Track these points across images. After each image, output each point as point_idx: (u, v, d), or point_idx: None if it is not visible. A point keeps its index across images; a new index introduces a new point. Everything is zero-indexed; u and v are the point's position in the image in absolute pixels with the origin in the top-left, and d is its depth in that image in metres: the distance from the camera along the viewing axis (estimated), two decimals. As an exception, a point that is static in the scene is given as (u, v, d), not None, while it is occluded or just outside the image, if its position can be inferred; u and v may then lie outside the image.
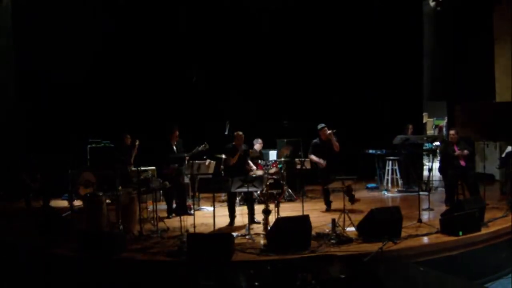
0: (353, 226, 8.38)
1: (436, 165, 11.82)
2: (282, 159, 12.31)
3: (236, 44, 14.62)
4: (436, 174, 12.31)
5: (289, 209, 10.23)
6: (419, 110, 16.56)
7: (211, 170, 11.50)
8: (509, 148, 12.17)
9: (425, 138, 13.37)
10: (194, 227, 8.54)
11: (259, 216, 9.10)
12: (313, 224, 7.85)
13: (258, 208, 9.29)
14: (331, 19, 15.12)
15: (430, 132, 19.45)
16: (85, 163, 12.50)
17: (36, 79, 13.22)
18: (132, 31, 14.05)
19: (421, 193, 10.49)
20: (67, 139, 12.53)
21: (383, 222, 7.89)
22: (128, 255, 7.40)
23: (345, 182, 9.83)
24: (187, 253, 7.16)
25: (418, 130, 15.00)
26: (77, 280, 7.03)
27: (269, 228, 8.02)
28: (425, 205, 10.29)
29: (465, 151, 10.70)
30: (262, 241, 7.97)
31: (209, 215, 9.27)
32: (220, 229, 8.93)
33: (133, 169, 10.81)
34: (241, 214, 9.61)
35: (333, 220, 8.13)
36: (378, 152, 13.50)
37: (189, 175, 10.84)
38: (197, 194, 11.06)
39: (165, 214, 10.10)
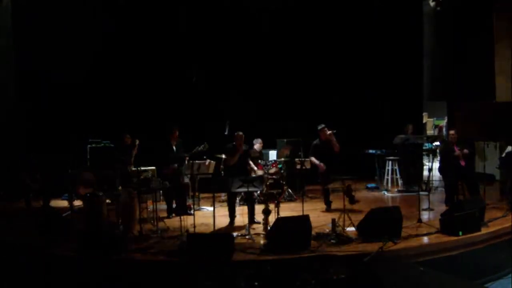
0: (353, 226, 8.38)
1: (436, 165, 11.81)
2: (282, 159, 12.32)
3: (236, 44, 14.62)
4: (436, 174, 12.30)
5: (289, 209, 10.23)
6: (419, 110, 16.56)
7: (211, 170, 11.50)
8: (509, 148, 12.16)
9: (425, 138, 13.38)
10: (194, 227, 8.54)
11: (259, 216, 9.10)
12: (313, 224, 7.84)
13: (258, 208, 9.28)
14: (331, 19, 15.13)
15: (430, 132, 19.46)
16: (85, 163, 12.49)
17: (36, 79, 13.21)
18: (132, 31, 14.05)
19: (421, 193, 10.51)
20: (67, 139, 12.52)
21: (383, 222, 7.90)
22: (128, 255, 7.40)
23: (345, 182, 9.84)
24: (187, 253, 7.15)
25: (418, 130, 15.00)
26: (77, 280, 7.03)
27: (269, 228, 8.03)
28: (425, 205, 10.29)
29: (465, 150, 10.72)
30: (262, 241, 7.97)
31: (209, 215, 9.27)
32: (220, 229, 8.93)
33: (133, 169, 10.80)
34: (241, 214, 9.61)
35: (333, 220, 8.13)
36: (378, 152, 13.50)
37: (189, 175, 10.83)
38: (197, 194, 11.06)
39: (165, 214, 10.11)
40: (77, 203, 10.70)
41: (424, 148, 13.59)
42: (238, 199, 10.76)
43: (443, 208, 9.88)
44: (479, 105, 14.77)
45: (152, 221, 9.13)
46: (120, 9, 13.97)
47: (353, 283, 6.07)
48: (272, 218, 8.24)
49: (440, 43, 16.07)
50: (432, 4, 16.00)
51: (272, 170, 11.98)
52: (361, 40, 15.23)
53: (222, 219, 9.43)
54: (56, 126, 13.14)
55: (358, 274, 6.32)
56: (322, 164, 10.64)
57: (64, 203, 11.52)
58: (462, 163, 10.63)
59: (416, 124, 14.68)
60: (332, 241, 7.73)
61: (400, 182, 13.50)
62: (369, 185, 13.56)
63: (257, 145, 12.12)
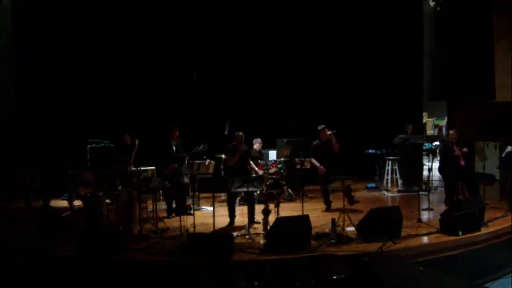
0: (353, 226, 8.38)
1: (436, 165, 11.81)
2: (282, 159, 12.32)
3: (236, 44, 14.63)
4: (435, 174, 12.30)
5: (289, 209, 10.23)
6: (419, 110, 16.56)
7: (211, 170, 11.50)
8: (509, 148, 12.16)
9: (425, 138, 13.37)
10: (194, 227, 8.54)
11: (259, 216, 9.10)
12: (313, 224, 7.85)
13: (258, 208, 9.28)
14: (331, 19, 15.14)
15: (430, 132, 19.46)
16: (85, 163, 12.49)
17: (36, 79, 13.22)
18: (132, 31, 14.05)
19: (421, 193, 10.51)
20: (67, 139, 12.53)
21: (383, 222, 7.90)
22: (128, 255, 7.40)
23: (344, 182, 9.85)
24: (187, 253, 7.16)
25: (418, 130, 15.00)
26: (77, 280, 7.03)
27: (269, 228, 8.02)
28: (425, 205, 10.29)
29: (464, 149, 10.73)
30: (262, 241, 7.96)
31: (209, 215, 9.27)
32: (220, 229, 8.93)
33: (133, 169, 10.80)
34: (241, 214, 9.61)
35: (333, 220, 8.13)
36: (378, 152, 13.50)
37: (188, 175, 10.84)
38: (196, 194, 11.06)
39: (165, 214, 10.10)
40: (77, 203, 10.70)
41: (424, 148, 13.60)
42: (238, 199, 10.76)
43: (443, 208, 9.89)
44: (479, 105, 14.80)
45: (152, 221, 9.12)
46: (120, 9, 13.98)
47: (353, 283, 6.07)
48: (272, 218, 8.24)
49: (440, 43, 16.07)
50: (432, 4, 16.01)
51: (272, 170, 11.98)
52: (361, 40, 15.24)
53: (222, 219, 9.43)
54: (56, 126, 13.15)
55: (358, 274, 6.32)
56: (322, 167, 10.65)
57: (64, 203, 11.52)
58: (462, 163, 10.64)
59: (416, 124, 14.68)
60: (332, 241, 7.74)
61: (400, 182, 13.51)
62: (369, 185, 13.56)
63: (257, 144, 12.12)
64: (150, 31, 14.13)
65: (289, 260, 7.01)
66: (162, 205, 10.49)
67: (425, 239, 7.98)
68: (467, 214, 8.17)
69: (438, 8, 15.84)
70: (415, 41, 15.76)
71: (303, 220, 7.72)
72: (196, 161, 10.79)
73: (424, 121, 18.37)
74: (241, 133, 9.84)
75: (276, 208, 8.61)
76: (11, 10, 13.17)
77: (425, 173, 13.25)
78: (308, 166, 11.17)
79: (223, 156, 10.41)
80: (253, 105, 14.27)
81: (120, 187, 9.42)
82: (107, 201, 9.50)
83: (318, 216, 9.90)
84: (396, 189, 13.11)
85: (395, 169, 13.69)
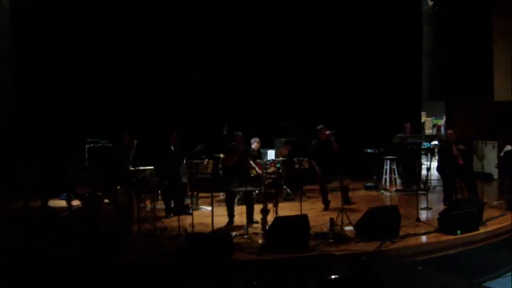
0: (351, 225, 8.38)
1: (434, 164, 11.82)
2: (281, 158, 12.32)
3: (235, 44, 14.62)
4: (434, 173, 12.31)
5: (287, 209, 10.21)
6: (417, 109, 16.57)
7: (209, 170, 11.49)
8: (508, 147, 12.17)
9: (423, 138, 13.38)
10: (193, 226, 8.53)
11: (257, 216, 9.09)
12: (311, 224, 7.85)
13: (257, 208, 9.28)
14: (331, 19, 15.14)
15: (428, 131, 19.49)
16: (83, 162, 12.48)
17: (35, 79, 13.21)
18: (132, 31, 14.05)
19: (419, 192, 10.52)
20: (66, 139, 12.53)
21: (381, 221, 7.91)
22: (126, 255, 7.39)
23: (343, 181, 9.85)
24: (185, 253, 7.16)
25: (417, 129, 15.01)
26: (76, 280, 7.03)
27: (267, 227, 8.02)
28: (423, 204, 10.29)
29: (460, 146, 10.76)
30: (260, 241, 7.96)
31: (208, 215, 9.26)
32: (219, 228, 8.92)
33: (132, 169, 10.79)
34: (240, 214, 9.60)
35: (331, 220, 8.14)
36: (376, 151, 13.50)
37: (187, 175, 10.83)
38: (195, 193, 11.05)
39: (164, 214, 10.09)
40: (76, 203, 10.69)
41: (422, 147, 13.59)
42: (236, 199, 10.75)
43: (441, 207, 9.91)
44: (478, 104, 14.84)
45: (150, 221, 9.10)
46: (120, 9, 13.97)
47: (352, 282, 6.06)
48: (270, 218, 8.24)
49: (439, 43, 16.11)
50: (430, 3, 16.03)
51: (270, 170, 11.97)
52: (360, 39, 15.25)
53: (220, 218, 9.42)
54: (55, 126, 13.14)
55: (357, 273, 6.32)
56: (319, 170, 10.66)
57: (62, 203, 11.50)
58: (461, 162, 10.64)
59: (415, 123, 14.69)
60: (330, 240, 7.74)
61: (398, 181, 13.50)
62: (368, 184, 13.55)
63: (255, 144, 12.10)
64: (149, 31, 14.13)
65: (288, 260, 7.00)
66: (161, 205, 10.48)
67: (423, 238, 7.98)
68: (466, 213, 8.18)
69: (437, 8, 15.86)
70: (414, 41, 15.79)
71: (302, 219, 7.72)
72: (195, 161, 10.78)
73: (422, 120, 18.41)
74: (240, 133, 9.84)
75: (274, 208, 8.61)
76: (9, 10, 13.14)
77: (424, 172, 13.26)
78: (306, 165, 11.17)
79: (222, 155, 10.40)
80: (252, 105, 14.26)
81: (118, 187, 9.40)
82: (106, 201, 9.49)
83: (316, 215, 9.89)
84: (394, 189, 13.11)
85: (394, 168, 13.68)
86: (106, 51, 13.76)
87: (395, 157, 13.35)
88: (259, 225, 8.68)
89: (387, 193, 12.72)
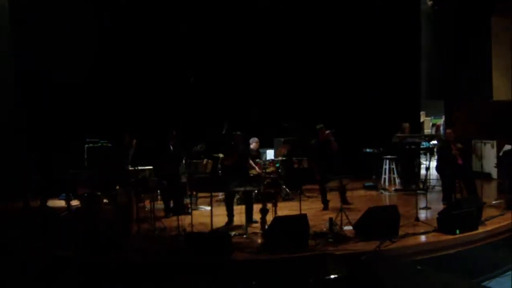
0: (351, 225, 8.38)
1: (434, 163, 11.82)
2: (280, 158, 12.31)
3: (236, 44, 14.62)
4: (433, 172, 12.31)
5: (286, 209, 10.21)
6: (416, 109, 16.56)
7: (208, 170, 11.49)
8: (507, 147, 12.18)
9: (422, 137, 13.38)
10: (192, 226, 8.53)
11: (256, 216, 9.08)
12: (310, 223, 7.86)
13: (256, 207, 9.27)
14: (331, 19, 15.13)
15: (427, 131, 19.48)
16: (82, 162, 12.47)
17: (36, 79, 13.18)
18: (133, 30, 14.04)
19: (418, 191, 10.52)
20: (66, 139, 12.52)
21: (380, 221, 7.92)
22: (125, 255, 7.40)
23: (342, 181, 9.85)
24: (185, 252, 7.16)
25: (416, 129, 15.01)
26: (75, 280, 7.03)
27: (266, 227, 8.02)
28: (422, 204, 10.29)
29: (458, 145, 10.77)
30: (259, 241, 7.97)
31: (207, 214, 9.25)
32: (218, 228, 8.91)
33: (131, 168, 10.79)
34: (239, 214, 9.60)
35: (331, 219, 8.14)
36: (376, 151, 13.50)
37: (186, 175, 10.83)
38: (194, 193, 11.05)
39: (163, 214, 10.09)
40: (75, 203, 10.69)
41: (421, 147, 13.59)
42: (235, 198, 10.75)
43: (440, 206, 9.91)
44: (477, 104, 14.85)
45: (150, 221, 9.11)
46: (120, 9, 13.96)
47: (351, 281, 6.07)
48: (269, 218, 8.24)
49: (438, 42, 16.11)
50: (429, 3, 16.04)
51: (270, 169, 11.96)
52: (359, 39, 15.24)
53: (220, 218, 9.42)
54: (55, 126, 13.12)
55: (356, 272, 6.32)
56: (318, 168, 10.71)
57: (61, 203, 11.50)
58: (460, 161, 10.65)
59: (414, 123, 14.69)
60: (329, 240, 7.74)
61: (397, 181, 13.50)
62: (367, 184, 13.54)
63: (254, 144, 12.08)
64: (150, 30, 14.13)
65: (287, 259, 7.01)
66: (160, 205, 10.48)
67: (422, 238, 7.98)
68: (465, 212, 8.18)
69: (436, 8, 15.87)
70: (413, 41, 15.77)
71: (301, 219, 7.72)
72: (194, 161, 10.78)
73: (421, 120, 18.40)
74: (239, 133, 9.84)
75: (273, 208, 8.62)
76: (8, 9, 13.13)
77: (423, 172, 13.26)
78: (305, 165, 11.17)
79: (221, 155, 10.40)
80: (251, 105, 14.26)
81: (118, 187, 9.40)
82: (105, 200, 9.49)
83: (315, 215, 9.89)
84: (393, 188, 13.09)
85: (393, 168, 13.67)
86: (107, 51, 13.75)
87: (394, 156, 13.34)
88: (258, 225, 8.67)
89: (386, 193, 12.71)
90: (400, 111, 14.93)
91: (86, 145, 12.67)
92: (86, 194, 9.14)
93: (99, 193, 9.01)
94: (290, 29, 14.94)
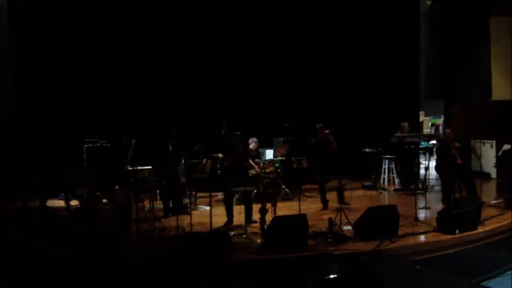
0: (350, 224, 8.38)
1: (433, 163, 11.83)
2: (279, 158, 12.31)
3: (235, 44, 14.60)
4: (432, 172, 12.32)
5: (285, 208, 10.20)
6: (416, 108, 16.56)
7: (207, 170, 11.48)
8: (506, 147, 12.19)
9: (422, 137, 13.38)
10: (191, 226, 8.53)
11: (256, 216, 9.08)
12: (310, 223, 7.86)
13: (255, 207, 9.27)
14: (331, 19, 15.13)
15: (426, 130, 19.48)
16: (82, 162, 12.46)
17: (34, 79, 13.17)
18: (131, 31, 14.02)
19: (417, 191, 10.52)
20: (65, 139, 12.51)
21: (379, 221, 7.92)
22: (125, 255, 7.39)
23: (341, 181, 9.85)
24: (184, 252, 7.15)
25: (415, 128, 15.01)
26: (75, 280, 7.02)
27: (266, 227, 8.02)
28: (421, 204, 10.29)
29: (456, 143, 10.78)
30: (259, 240, 7.97)
31: (206, 214, 9.24)
32: (217, 228, 8.91)
33: (130, 168, 10.78)
34: (238, 214, 9.60)
35: (330, 219, 8.14)
36: (375, 150, 13.50)
37: (185, 175, 10.82)
38: (193, 193, 11.05)
39: (162, 214, 10.08)
40: (74, 203, 10.68)
41: (420, 146, 13.59)
42: (235, 198, 10.75)
43: (439, 206, 9.92)
44: (477, 104, 14.85)
45: (149, 221, 9.10)
46: (119, 9, 13.95)
47: (350, 281, 6.07)
48: (269, 217, 8.24)
49: (438, 42, 16.11)
50: (428, 2, 16.04)
51: (269, 169, 11.96)
52: (358, 39, 15.23)
53: (219, 218, 9.42)
54: (54, 125, 13.11)
55: (356, 272, 6.32)
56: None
57: (61, 203, 11.49)
58: (459, 161, 10.66)
59: (413, 122, 14.69)
60: (329, 240, 7.74)
61: (396, 180, 13.50)
62: (366, 184, 13.54)
63: (253, 144, 12.08)
64: (149, 30, 14.11)
65: (286, 259, 7.01)
66: (159, 205, 10.47)
67: (422, 238, 7.99)
68: (464, 212, 8.18)
69: (435, 7, 15.87)
70: (412, 40, 15.77)
71: (300, 219, 7.72)
72: (193, 161, 10.77)
73: (421, 119, 18.39)
74: (238, 133, 9.84)
75: (273, 207, 8.61)
76: (7, 9, 13.11)
77: (422, 171, 13.26)
78: (305, 165, 11.17)
79: (220, 155, 10.40)
80: (251, 104, 14.25)
81: (117, 187, 9.39)
82: (104, 200, 9.48)
83: (315, 215, 9.89)
84: (393, 188, 13.10)
85: (392, 168, 13.68)
86: (106, 51, 13.72)
87: (394, 156, 13.35)
88: (257, 225, 8.67)
89: (386, 193, 12.71)
90: (399, 111, 14.92)
91: (85, 145, 12.66)
92: (85, 194, 9.13)
93: (98, 193, 9.00)
94: (289, 29, 14.92)
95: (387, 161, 13.55)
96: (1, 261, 7.58)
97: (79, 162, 12.24)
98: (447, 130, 11.23)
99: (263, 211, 8.38)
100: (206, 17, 14.49)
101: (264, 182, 10.01)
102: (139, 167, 10.61)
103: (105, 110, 13.57)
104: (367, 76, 15.31)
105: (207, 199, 9.83)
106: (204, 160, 11.37)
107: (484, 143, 14.22)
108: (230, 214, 9.51)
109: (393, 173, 13.64)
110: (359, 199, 11.55)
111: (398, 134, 12.86)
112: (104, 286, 6.95)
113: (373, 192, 12.89)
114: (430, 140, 13.74)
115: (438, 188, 12.01)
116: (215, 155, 11.11)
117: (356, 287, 6.01)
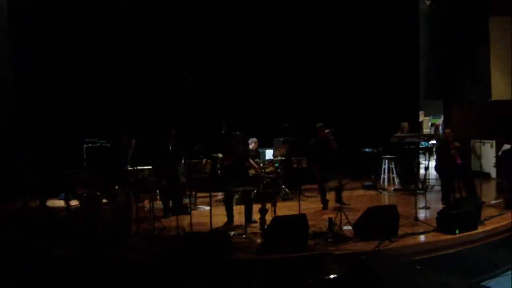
0: (350, 224, 8.38)
1: (433, 163, 11.83)
2: (279, 158, 12.31)
3: (235, 44, 14.60)
4: (432, 172, 12.32)
5: (285, 208, 10.19)
6: (415, 108, 16.56)
7: (207, 170, 11.48)
8: (506, 146, 12.19)
9: (421, 137, 13.38)
10: (191, 226, 8.53)
11: (256, 215, 9.08)
12: (310, 223, 7.86)
13: (255, 207, 9.27)
14: (330, 19, 15.12)
15: (426, 130, 19.49)
16: (82, 162, 12.46)
17: (34, 79, 13.17)
18: (131, 31, 14.02)
19: (417, 191, 10.51)
20: (65, 139, 12.51)
21: (379, 221, 7.92)
22: (125, 254, 7.39)
23: (341, 180, 9.85)
24: (184, 252, 7.15)
25: (415, 128, 15.01)
26: (74, 280, 7.02)
27: (266, 227, 8.02)
28: (421, 204, 10.29)
29: (456, 143, 10.78)
30: (259, 240, 7.97)
31: (206, 214, 9.24)
32: (217, 228, 8.91)
33: (130, 168, 10.78)
34: (238, 214, 9.60)
35: (330, 219, 8.14)
36: (375, 150, 13.50)
37: (185, 175, 10.82)
38: (193, 193, 11.05)
39: (162, 214, 10.08)
40: (74, 203, 10.68)
41: (420, 146, 13.59)
42: (235, 198, 10.74)
43: (439, 206, 9.91)
44: (477, 104, 14.85)
45: (149, 221, 9.10)
46: (119, 9, 13.95)
47: (350, 281, 6.07)
48: (269, 217, 8.24)
49: (437, 42, 16.11)
50: (428, 2, 16.04)
51: (269, 169, 11.96)
52: (358, 39, 15.23)
53: (219, 218, 9.42)
54: (54, 125, 13.11)
55: (356, 272, 6.32)
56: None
57: (61, 203, 11.49)
58: (459, 161, 10.66)
59: (413, 122, 14.68)
60: (329, 240, 7.74)
61: (396, 180, 13.50)
62: (366, 184, 13.54)
63: (253, 144, 12.07)
64: (149, 31, 14.11)
65: (286, 259, 7.01)
66: (159, 205, 10.47)
67: (422, 238, 7.99)
68: (464, 212, 8.18)
69: (434, 7, 15.87)
70: (412, 40, 15.77)
71: (300, 219, 7.72)
72: (193, 161, 10.77)
73: (420, 119, 18.39)
74: (238, 133, 9.84)
75: (273, 207, 8.61)
76: (7, 9, 13.12)
77: (422, 171, 13.25)
78: (304, 165, 11.17)
79: (220, 155, 10.39)
80: (251, 104, 14.26)
81: (117, 187, 9.39)
82: (104, 201, 9.48)
83: (315, 215, 9.89)
84: (392, 188, 13.10)
85: (392, 167, 13.67)
86: (105, 51, 13.73)
87: (393, 156, 13.35)
88: (257, 225, 8.68)
89: (386, 193, 12.71)
90: (399, 110, 14.91)
91: (85, 145, 12.66)
92: (85, 194, 9.13)
93: (98, 193, 9.00)
94: (288, 29, 14.92)
95: (387, 161, 13.56)
96: (1, 261, 7.58)
97: (79, 162, 12.24)
98: (447, 130, 11.23)
99: (263, 211, 8.38)
100: (206, 17, 14.49)
101: (264, 182, 10.01)
102: (139, 167, 10.61)
103: (105, 110, 13.57)
104: (367, 76, 15.31)
105: (207, 199, 9.83)
106: (204, 160, 11.37)
107: (484, 143, 14.23)
108: (230, 214, 9.51)
109: (393, 173, 13.64)
110: (359, 199, 11.54)
111: (398, 134, 12.86)
112: (104, 286, 6.95)
113: (373, 192, 12.89)
114: (430, 140, 13.75)
115: (438, 188, 12.01)
116: (215, 155, 11.11)
117: (356, 287, 6.01)
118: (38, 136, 12.90)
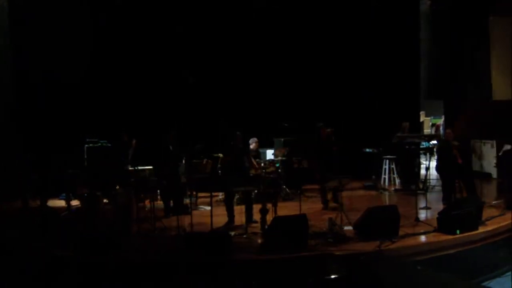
0: (350, 225, 8.38)
1: (433, 163, 11.82)
2: (279, 158, 12.31)
3: (234, 44, 14.60)
4: (433, 172, 12.30)
5: (286, 209, 10.18)
6: (416, 109, 16.55)
7: (208, 170, 11.48)
8: (507, 147, 12.18)
9: (422, 137, 13.37)
10: (192, 226, 8.53)
11: (256, 216, 9.08)
12: (310, 223, 7.87)
13: (256, 207, 9.27)
14: (330, 19, 15.11)
15: (427, 131, 19.48)
16: (82, 162, 12.47)
17: (33, 78, 13.19)
18: (130, 30, 14.03)
19: (418, 191, 10.50)
20: (65, 139, 12.51)
21: (380, 221, 7.92)
22: (125, 254, 7.39)
23: (342, 181, 9.84)
24: (185, 252, 7.15)
25: (416, 128, 15.00)
26: (75, 280, 7.02)
27: (266, 227, 8.02)
28: (422, 204, 10.29)
29: (455, 142, 10.78)
30: (259, 240, 7.97)
31: (207, 214, 9.24)
32: (218, 228, 8.91)
33: (131, 168, 10.78)
34: (239, 214, 9.59)
35: (330, 219, 8.14)
36: (375, 151, 13.49)
37: (186, 175, 10.82)
38: (194, 193, 11.04)
39: (163, 214, 10.07)
40: (75, 203, 10.68)
41: (421, 147, 13.58)
42: (235, 198, 10.74)
43: (440, 206, 9.90)
44: (478, 104, 14.84)
45: (149, 221, 9.10)
46: (118, 9, 13.96)
47: (351, 282, 6.06)
48: (269, 217, 8.24)
49: (437, 42, 16.12)
50: (427, 3, 16.04)
51: (269, 169, 11.95)
52: (358, 39, 15.22)
53: (219, 218, 9.41)
54: (53, 125, 13.12)
55: (356, 273, 6.31)
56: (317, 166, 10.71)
57: (61, 203, 11.49)
58: (459, 161, 10.65)
59: (414, 123, 14.67)
60: (329, 240, 7.74)
61: (397, 181, 13.49)
62: (366, 184, 13.53)
63: (253, 144, 12.07)
64: (147, 30, 14.12)
65: (287, 259, 7.00)
66: (160, 205, 10.46)
67: (422, 238, 7.99)
68: (465, 212, 8.18)
69: (434, 8, 15.86)
70: (412, 40, 15.76)
71: (301, 219, 7.72)
72: (194, 161, 10.77)
73: (421, 120, 18.39)
74: (238, 133, 9.83)
75: (273, 208, 8.61)
76: (7, 9, 13.12)
77: (423, 172, 13.25)
78: (305, 165, 11.17)
79: (221, 155, 10.39)
80: (250, 104, 14.25)
81: (117, 187, 9.40)
82: (105, 200, 9.48)
83: (315, 215, 9.87)
84: (393, 188, 13.09)
85: (393, 168, 13.66)
86: (104, 51, 13.74)
87: (394, 156, 13.34)
88: (258, 225, 8.68)
89: (386, 193, 12.70)
90: (399, 111, 14.90)
91: (86, 145, 12.67)
92: (86, 194, 9.14)
93: (99, 193, 9.00)
94: (286, 29, 14.91)
95: (387, 161, 13.54)
96: (1, 261, 7.58)
97: (79, 162, 12.24)
98: (448, 130, 11.23)
99: (263, 211, 8.38)
100: (204, 17, 14.49)
101: (265, 182, 10.01)
102: (139, 167, 10.61)
103: (105, 110, 13.59)
104: (368, 77, 15.29)
105: (208, 199, 9.84)
106: (205, 160, 11.36)
107: (484, 143, 14.23)
108: (230, 214, 9.50)
109: (393, 173, 13.62)
110: (360, 199, 11.53)
111: (400, 134, 12.86)
112: (104, 286, 6.95)
113: (373, 192, 12.88)
114: (430, 140, 13.74)
115: (438, 188, 11.99)
116: (215, 155, 11.10)
117: (356, 287, 6.01)
118: (38, 136, 12.91)
